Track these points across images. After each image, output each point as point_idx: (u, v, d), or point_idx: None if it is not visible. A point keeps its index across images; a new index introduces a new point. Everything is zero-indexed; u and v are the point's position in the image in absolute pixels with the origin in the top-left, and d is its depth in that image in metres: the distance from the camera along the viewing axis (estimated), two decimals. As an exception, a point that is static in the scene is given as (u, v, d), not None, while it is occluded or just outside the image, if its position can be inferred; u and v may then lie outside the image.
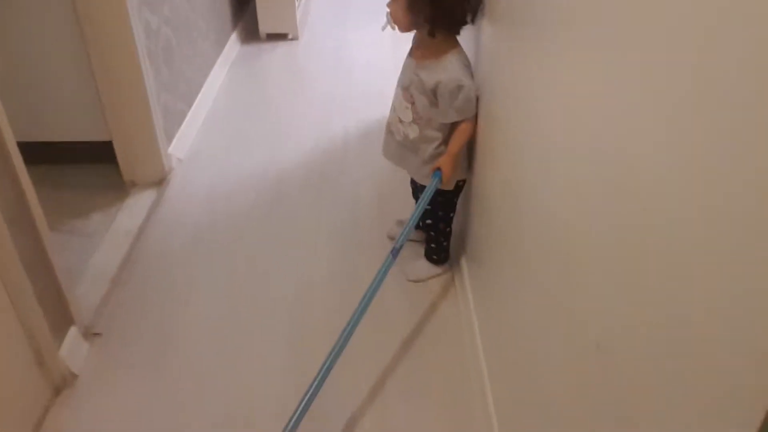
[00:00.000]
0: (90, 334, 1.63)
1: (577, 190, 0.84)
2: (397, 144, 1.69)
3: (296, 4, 3.41)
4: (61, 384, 1.52)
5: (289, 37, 3.47)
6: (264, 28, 3.43)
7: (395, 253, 1.46)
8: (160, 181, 2.26)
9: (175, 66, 2.41)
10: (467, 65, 1.53)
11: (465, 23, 1.50)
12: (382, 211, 2.12)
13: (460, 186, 1.71)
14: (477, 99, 1.51)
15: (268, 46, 3.40)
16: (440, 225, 1.78)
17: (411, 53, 1.60)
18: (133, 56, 2.05)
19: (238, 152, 2.47)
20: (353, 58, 3.27)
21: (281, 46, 3.41)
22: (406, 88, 1.58)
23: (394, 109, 1.66)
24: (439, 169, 1.57)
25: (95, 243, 1.99)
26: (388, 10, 1.52)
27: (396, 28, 1.54)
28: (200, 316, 1.74)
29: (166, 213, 2.14)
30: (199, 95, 2.72)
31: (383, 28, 1.56)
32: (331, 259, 1.93)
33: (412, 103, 1.57)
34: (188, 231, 2.06)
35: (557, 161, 0.93)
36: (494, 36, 1.40)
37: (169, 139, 2.35)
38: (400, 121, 1.63)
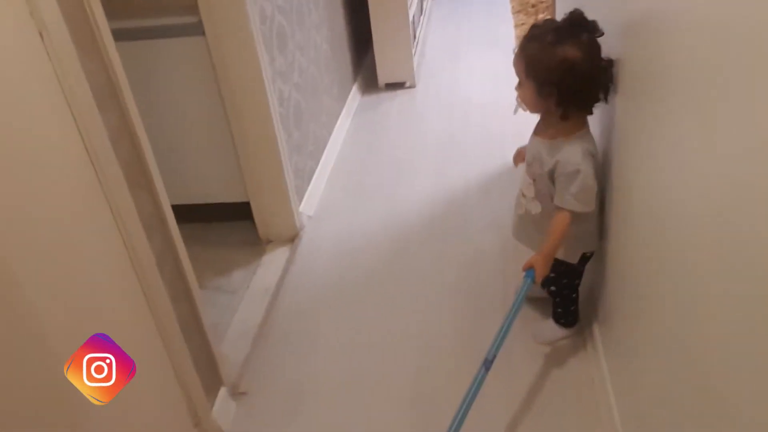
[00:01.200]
0: (237, 393, 1.75)
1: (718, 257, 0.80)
2: (519, 218, 1.71)
3: (412, 53, 3.50)
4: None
5: (407, 85, 3.57)
6: (383, 78, 3.55)
7: (488, 365, 1.41)
8: (292, 238, 2.40)
9: (303, 126, 2.56)
10: (591, 151, 1.50)
11: (597, 101, 1.47)
12: (507, 266, 2.11)
13: (587, 257, 1.67)
14: (595, 189, 1.49)
15: (387, 96, 3.52)
16: (564, 292, 1.74)
17: (536, 130, 1.60)
18: (268, 124, 2.21)
19: (362, 205, 2.57)
20: (469, 101, 3.30)
21: (399, 95, 3.51)
22: (530, 163, 1.59)
23: (520, 183, 1.68)
24: (531, 267, 1.51)
25: (237, 300, 2.14)
26: (517, 93, 1.53)
27: (527, 109, 1.54)
28: (332, 374, 1.82)
29: (299, 270, 2.26)
30: (325, 151, 2.86)
31: (515, 112, 1.58)
32: (455, 318, 1.95)
33: (534, 180, 1.58)
34: (318, 288, 2.17)
35: (693, 229, 0.89)
36: (627, 111, 1.36)
37: (300, 197, 2.49)
38: (523, 195, 1.65)
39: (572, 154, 1.47)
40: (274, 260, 2.31)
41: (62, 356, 1.00)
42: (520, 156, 1.77)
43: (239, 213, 2.44)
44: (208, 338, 1.66)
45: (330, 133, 2.97)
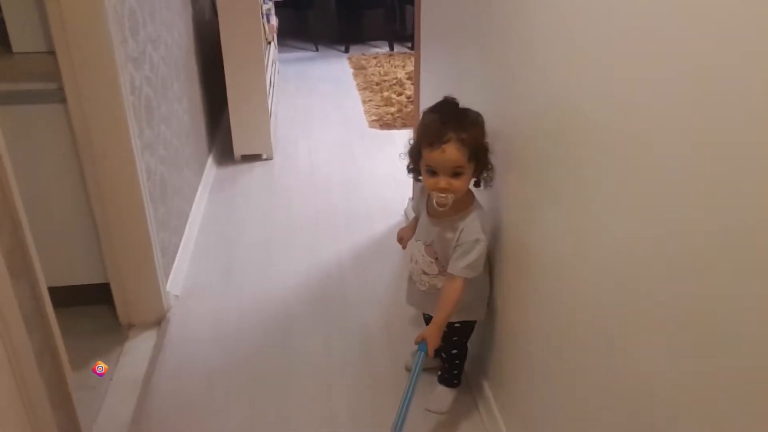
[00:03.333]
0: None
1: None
2: (422, 293, 1.74)
3: (269, 124, 3.52)
4: None
5: (264, 157, 3.55)
6: (239, 149, 3.50)
7: None
8: (158, 321, 2.21)
9: (167, 201, 2.42)
10: (487, 220, 1.59)
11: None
12: (393, 338, 2.14)
13: (473, 325, 1.77)
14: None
15: (244, 168, 3.47)
16: (453, 352, 1.80)
17: (430, 212, 1.63)
18: (136, 198, 2.06)
19: (233, 285, 2.46)
20: (329, 178, 3.36)
21: (257, 167, 3.48)
22: (429, 244, 1.63)
23: (416, 261, 1.70)
24: (424, 340, 1.56)
25: (100, 396, 1.90)
26: (444, 191, 1.50)
27: (449, 201, 1.52)
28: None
29: (172, 356, 2.08)
30: (187, 226, 2.72)
31: (442, 209, 1.56)
32: (349, 399, 1.91)
33: (437, 258, 1.63)
34: (195, 376, 2.01)
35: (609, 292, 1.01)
36: (516, 185, 1.50)
37: (166, 275, 2.32)
38: (425, 273, 1.68)
39: (474, 225, 1.54)
40: (139, 346, 2.10)
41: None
42: (405, 238, 1.82)
43: (93, 296, 2.21)
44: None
45: (190, 207, 2.84)
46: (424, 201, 1.68)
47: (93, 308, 2.23)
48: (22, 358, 1.18)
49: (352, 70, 5.44)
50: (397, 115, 4.30)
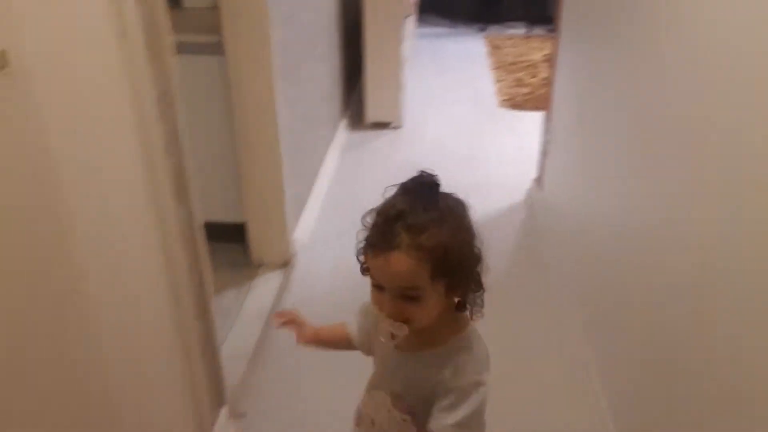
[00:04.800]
0: (236, 414, 1.73)
1: None
2: None
3: (403, 93, 3.62)
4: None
5: (393, 125, 3.66)
6: (370, 115, 3.64)
7: None
8: (285, 263, 2.40)
9: (301, 153, 2.60)
10: (485, 352, 1.04)
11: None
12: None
13: None
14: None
15: (373, 134, 3.61)
16: None
17: (401, 345, 1.00)
18: (275, 148, 2.24)
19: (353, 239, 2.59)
20: (454, 151, 3.42)
21: (386, 134, 3.61)
22: (398, 395, 1.04)
23: (373, 423, 1.10)
24: None
25: (230, 322, 2.11)
26: (396, 325, 0.95)
27: (405, 331, 0.95)
28: (330, 401, 1.81)
29: (294, 295, 2.26)
30: (317, 181, 2.89)
31: (392, 340, 0.97)
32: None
33: (412, 414, 1.03)
34: (315, 315, 2.15)
35: None
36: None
37: (295, 223, 2.50)
38: None
39: (470, 361, 0.99)
40: (266, 284, 2.30)
41: (106, 344, 1.02)
42: (306, 337, 1.25)
43: (231, 234, 2.43)
44: (219, 356, 1.64)
45: (321, 165, 3.01)
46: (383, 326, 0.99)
47: (229, 245, 2.45)
48: (177, 271, 1.37)
49: (487, 50, 5.41)
50: (528, 96, 4.26)
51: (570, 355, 1.99)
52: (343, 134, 3.49)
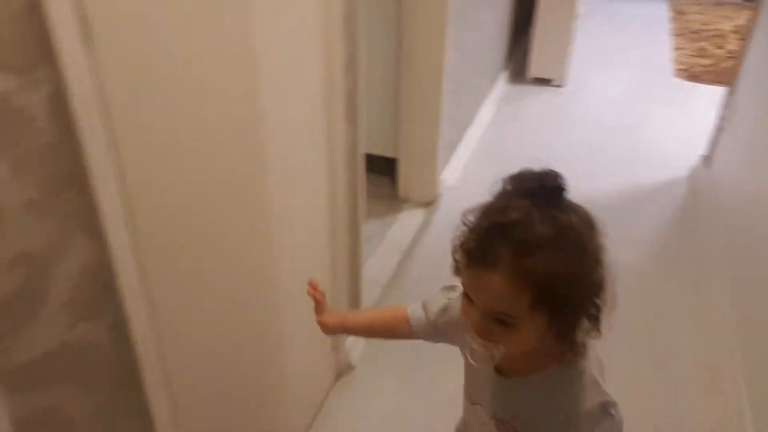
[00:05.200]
0: (368, 334, 1.83)
1: None
2: None
3: (571, 50, 3.47)
4: (342, 371, 1.73)
5: (555, 83, 3.53)
6: (533, 70, 3.53)
7: None
8: (430, 203, 2.45)
9: (460, 101, 2.60)
10: (598, 360, 0.89)
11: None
12: (642, 285, 2.09)
13: None
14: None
15: (534, 89, 3.50)
16: None
17: (499, 368, 0.89)
18: (436, 89, 2.26)
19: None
20: (616, 117, 3.24)
21: (547, 91, 3.49)
22: (504, 421, 0.92)
23: None
24: None
25: (371, 248, 2.21)
26: (490, 348, 0.80)
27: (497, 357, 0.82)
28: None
29: (435, 233, 2.32)
30: (471, 129, 2.89)
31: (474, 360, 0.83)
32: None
33: None
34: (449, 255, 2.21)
35: None
36: None
37: (444, 165, 2.53)
38: None
39: (587, 383, 0.85)
40: (409, 219, 2.38)
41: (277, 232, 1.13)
42: (330, 325, 1.08)
43: (380, 166, 2.50)
44: (361, 276, 1.74)
45: (476, 112, 3.00)
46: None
47: (376, 177, 2.54)
48: (338, 188, 1.46)
49: (670, 14, 4.99)
50: (709, 68, 3.90)
51: (714, 340, 1.87)
52: (502, 86, 3.43)
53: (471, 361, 0.83)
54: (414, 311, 1.04)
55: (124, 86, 0.74)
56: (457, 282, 0.84)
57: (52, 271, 0.69)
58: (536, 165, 0.80)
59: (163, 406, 0.94)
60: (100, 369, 0.81)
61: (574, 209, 0.79)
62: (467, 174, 2.69)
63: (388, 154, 2.47)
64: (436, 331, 1.01)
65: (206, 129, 0.94)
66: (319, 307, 1.06)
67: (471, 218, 0.81)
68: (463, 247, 0.80)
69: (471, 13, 2.48)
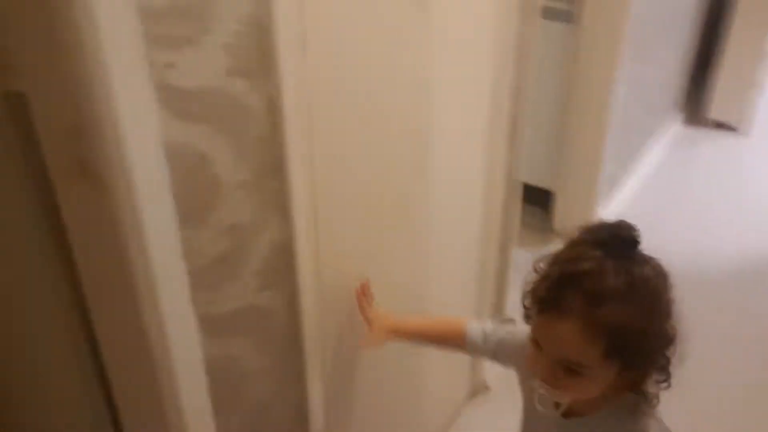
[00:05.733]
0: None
1: None
2: None
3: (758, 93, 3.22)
4: (477, 390, 1.77)
5: (737, 129, 3.30)
6: (713, 113, 3.32)
7: None
8: (583, 238, 2.41)
9: (626, 134, 2.54)
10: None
11: None
12: None
13: None
14: None
15: (711, 134, 3.29)
16: None
17: (565, 411, 0.88)
18: (603, 122, 2.24)
19: (658, 236, 2.47)
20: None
21: (726, 138, 3.26)
22: None
23: None
24: None
25: (517, 278, 2.23)
26: (558, 395, 0.84)
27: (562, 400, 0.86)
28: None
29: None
30: (635, 167, 2.80)
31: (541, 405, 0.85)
32: None
33: None
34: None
35: None
36: None
37: (603, 202, 2.49)
38: None
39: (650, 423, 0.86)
40: (560, 252, 2.36)
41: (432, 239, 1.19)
42: (378, 334, 1.11)
43: (533, 196, 2.50)
44: (506, 298, 1.78)
45: (644, 152, 2.90)
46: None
47: (531, 207, 2.54)
48: (492, 208, 1.53)
49: None
50: None
51: None
52: (676, 126, 3.27)
53: (537, 407, 0.84)
54: (473, 332, 1.06)
55: (324, 93, 0.88)
56: (516, 316, 0.88)
57: (251, 242, 0.84)
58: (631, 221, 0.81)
59: (317, 383, 1.06)
60: (273, 333, 0.95)
61: (648, 261, 0.79)
62: (627, 212, 2.61)
63: (544, 185, 2.48)
64: (495, 356, 1.05)
65: (383, 135, 1.06)
66: (365, 309, 1.10)
67: (542, 266, 0.83)
68: (534, 294, 0.81)
69: (650, 48, 2.43)
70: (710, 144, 3.22)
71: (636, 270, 0.77)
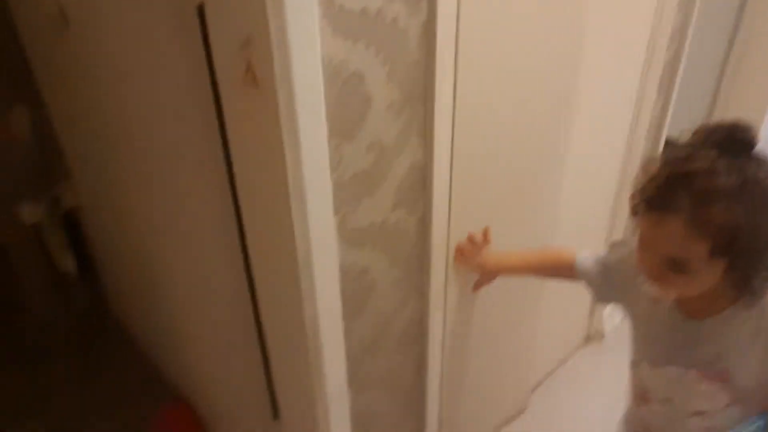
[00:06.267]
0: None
1: None
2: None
3: None
4: (593, 337, 1.76)
5: None
6: None
7: None
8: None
9: None
10: None
11: None
12: None
13: None
14: None
15: None
16: None
17: (684, 308, 0.90)
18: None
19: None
20: None
21: None
22: (708, 364, 0.91)
23: (669, 401, 0.97)
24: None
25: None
26: (654, 282, 0.84)
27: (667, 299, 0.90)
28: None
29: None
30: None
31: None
32: None
33: (725, 380, 0.92)
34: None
35: None
36: None
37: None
38: (698, 414, 0.95)
39: None
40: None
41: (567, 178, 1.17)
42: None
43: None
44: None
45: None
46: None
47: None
48: (634, 153, 1.46)
49: None
50: None
51: None
52: None
53: (653, 298, 0.88)
54: (583, 259, 1.05)
55: (474, 27, 0.88)
56: (626, 239, 0.86)
57: (392, 161, 0.88)
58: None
59: (438, 304, 1.11)
60: (403, 250, 1.00)
61: (763, 163, 0.76)
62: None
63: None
64: (606, 280, 1.02)
65: (527, 78, 1.04)
66: (472, 257, 1.12)
67: (653, 166, 0.81)
68: (644, 193, 0.80)
69: None
70: None
71: (749, 170, 0.75)
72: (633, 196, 0.84)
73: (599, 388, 1.65)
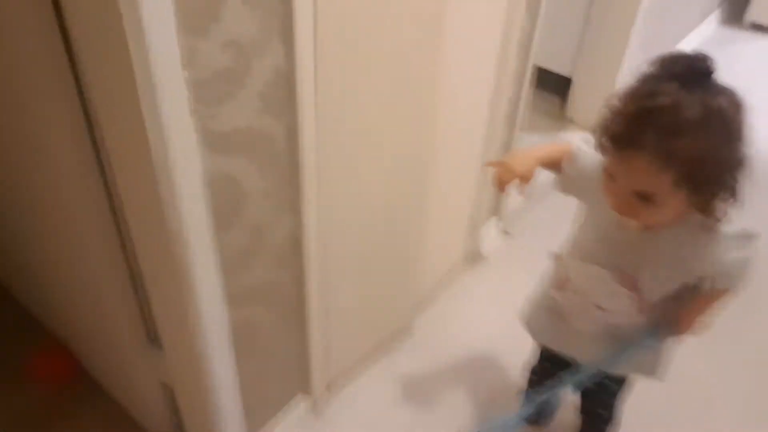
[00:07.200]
0: (504, 232, 1.93)
1: None
2: (573, 333, 1.12)
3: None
4: (471, 258, 1.84)
5: (778, 31, 3.16)
6: (752, 14, 3.18)
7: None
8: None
9: (656, 25, 2.45)
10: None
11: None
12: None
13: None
14: None
15: (749, 36, 3.16)
16: (601, 413, 1.29)
17: (625, 222, 0.93)
18: (632, 13, 2.16)
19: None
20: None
21: (762, 40, 3.14)
22: (625, 272, 0.98)
23: (579, 292, 1.05)
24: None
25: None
26: (623, 214, 0.90)
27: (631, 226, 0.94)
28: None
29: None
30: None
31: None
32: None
33: (638, 291, 0.98)
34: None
35: None
36: None
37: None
38: (600, 308, 1.03)
39: (727, 237, 0.93)
40: (571, 139, 2.35)
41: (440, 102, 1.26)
42: (506, 178, 1.03)
43: (550, 84, 2.45)
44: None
45: (672, 49, 2.80)
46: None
47: (549, 95, 2.51)
48: (503, 86, 1.52)
49: None
50: None
51: None
52: (713, 26, 3.14)
53: (615, 229, 0.92)
54: (580, 149, 1.03)
55: None
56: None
57: (252, 62, 0.86)
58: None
59: (312, 216, 1.11)
60: (273, 160, 0.99)
61: (723, 92, 0.80)
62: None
63: (564, 72, 2.43)
64: (581, 174, 1.01)
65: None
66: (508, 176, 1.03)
67: (617, 102, 0.84)
68: (609, 131, 0.84)
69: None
70: (746, 46, 3.10)
71: (711, 101, 0.79)
72: (599, 134, 0.86)
73: (483, 310, 1.74)
